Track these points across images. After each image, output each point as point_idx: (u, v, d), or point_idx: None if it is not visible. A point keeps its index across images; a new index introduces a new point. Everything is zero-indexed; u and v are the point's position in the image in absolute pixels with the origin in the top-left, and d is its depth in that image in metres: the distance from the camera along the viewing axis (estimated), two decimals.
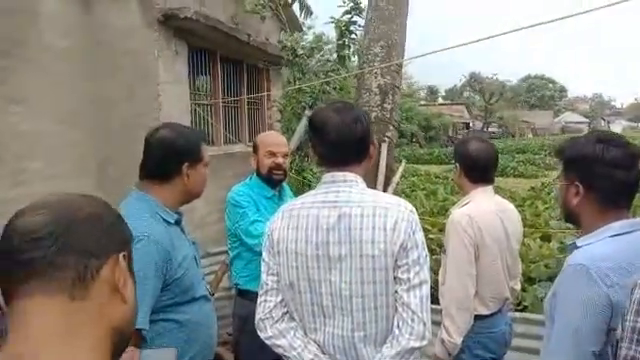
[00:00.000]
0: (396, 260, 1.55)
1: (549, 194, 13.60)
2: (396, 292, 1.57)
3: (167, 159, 1.86)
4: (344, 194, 1.62)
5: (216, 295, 4.28)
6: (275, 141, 2.86)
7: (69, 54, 4.51)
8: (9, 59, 3.96)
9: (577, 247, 1.58)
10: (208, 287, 2.10)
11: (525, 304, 4.62)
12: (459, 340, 2.28)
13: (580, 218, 1.62)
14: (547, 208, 10.45)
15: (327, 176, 1.68)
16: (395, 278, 1.57)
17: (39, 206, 0.80)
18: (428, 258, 1.61)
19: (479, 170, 2.42)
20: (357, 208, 1.59)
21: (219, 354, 3.93)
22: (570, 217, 1.70)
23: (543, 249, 6.45)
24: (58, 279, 0.76)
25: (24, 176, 4.14)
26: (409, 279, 1.55)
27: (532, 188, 14.69)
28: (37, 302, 0.75)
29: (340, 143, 1.64)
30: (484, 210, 2.33)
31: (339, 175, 1.65)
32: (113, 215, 0.87)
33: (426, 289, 1.57)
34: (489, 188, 2.43)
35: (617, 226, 1.52)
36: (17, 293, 0.75)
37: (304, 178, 5.74)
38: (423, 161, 26.23)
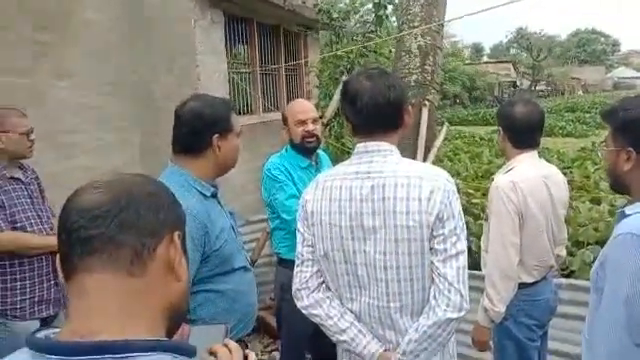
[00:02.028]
0: (432, 231, 1.52)
1: (599, 155, 13.09)
2: (432, 263, 1.55)
3: (196, 131, 1.84)
4: (377, 164, 1.59)
5: (259, 261, 4.37)
6: (302, 108, 2.82)
7: (109, 27, 4.56)
8: (51, 33, 4.04)
9: (626, 215, 1.51)
10: (248, 256, 2.12)
11: (572, 269, 4.50)
12: (502, 308, 2.25)
13: (630, 185, 1.55)
14: (597, 169, 10.06)
15: (360, 146, 1.65)
16: (431, 249, 1.54)
17: (97, 185, 0.82)
18: (465, 227, 1.58)
19: (524, 135, 2.32)
20: (391, 178, 1.56)
21: (262, 317, 4.05)
22: (618, 184, 1.62)
23: (592, 212, 6.23)
24: (117, 256, 0.77)
25: (71, 149, 4.27)
26: (445, 249, 1.53)
27: (582, 148, 14.14)
28: (96, 279, 0.77)
29: (373, 111, 1.60)
30: (529, 176, 2.24)
31: (372, 145, 1.62)
32: (169, 194, 0.89)
33: (463, 260, 1.54)
34: (534, 153, 2.34)
35: None
36: (76, 269, 0.77)
37: (343, 145, 5.70)
38: (467, 122, 25.57)
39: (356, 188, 1.59)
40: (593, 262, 4.98)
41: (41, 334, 0.77)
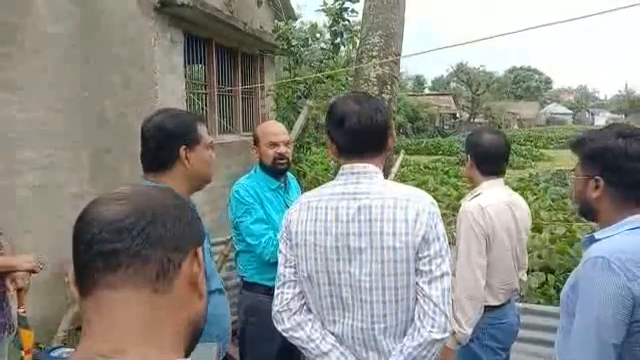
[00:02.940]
0: (417, 252, 1.54)
1: (537, 185, 13.73)
2: (417, 284, 1.56)
3: (161, 145, 1.78)
4: (364, 185, 1.61)
5: None
6: (276, 130, 2.81)
7: (64, 41, 4.43)
8: (3, 46, 3.88)
9: (595, 240, 1.58)
10: (221, 279, 2.07)
11: (520, 294, 4.66)
12: (469, 331, 2.29)
13: (598, 212, 1.61)
14: (537, 199, 10.56)
15: (346, 167, 1.66)
16: (416, 270, 1.56)
17: (118, 196, 0.77)
18: (449, 250, 1.61)
19: (490, 162, 2.41)
20: (378, 200, 1.57)
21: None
22: (586, 211, 1.68)
23: (535, 240, 6.50)
24: (142, 271, 0.73)
25: (17, 165, 4.07)
26: (431, 271, 1.55)
27: (521, 179, 14.80)
28: (120, 295, 0.72)
29: (361, 133, 1.62)
30: (495, 201, 2.33)
31: (359, 166, 1.63)
32: (191, 208, 0.85)
33: (447, 281, 1.57)
34: (500, 180, 2.43)
35: (636, 220, 1.52)
36: (97, 285, 0.72)
37: (300, 169, 5.71)
38: (411, 151, 26.27)
39: (342, 209, 1.59)
40: (539, 288, 5.20)
41: (56, 353, 0.72)
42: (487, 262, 2.31)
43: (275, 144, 2.74)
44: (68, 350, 0.74)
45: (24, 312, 2.50)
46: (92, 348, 0.70)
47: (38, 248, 3.75)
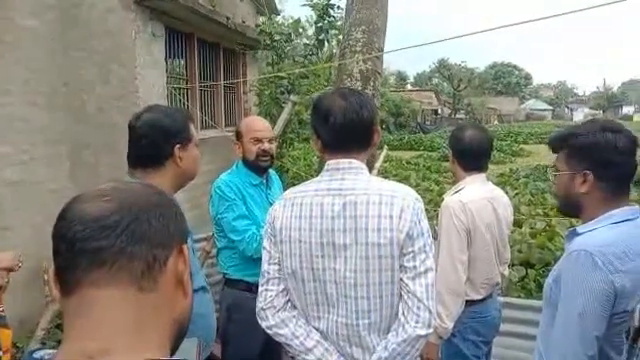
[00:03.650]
0: (402, 248, 1.55)
1: (517, 180, 13.90)
2: (401, 280, 1.57)
3: (156, 143, 1.78)
4: (349, 181, 1.61)
5: None
6: (260, 127, 2.79)
7: (43, 35, 4.34)
8: None
9: (578, 234, 1.59)
10: (205, 277, 2.06)
11: (502, 288, 4.71)
12: (451, 325, 2.31)
13: (584, 207, 1.62)
14: (517, 194, 10.69)
15: (331, 163, 1.65)
16: (400, 266, 1.56)
17: (101, 193, 0.75)
18: (433, 246, 1.62)
19: (472, 158, 2.43)
20: (363, 196, 1.57)
21: None
22: (570, 206, 1.69)
23: (515, 234, 6.57)
24: (127, 269, 0.71)
25: None
26: (415, 267, 1.55)
27: (501, 174, 14.96)
28: (104, 293, 0.70)
29: (346, 129, 1.62)
30: (477, 197, 2.35)
31: (344, 162, 1.63)
32: (175, 205, 0.83)
33: (431, 277, 1.58)
34: (482, 176, 2.46)
35: (619, 213, 1.54)
36: (80, 283, 0.70)
37: (283, 165, 5.70)
38: (393, 147, 26.32)
39: (327, 205, 1.59)
40: (519, 281, 5.27)
41: (38, 355, 0.71)
42: (468, 257, 2.33)
43: (259, 140, 2.72)
44: (50, 351, 0.72)
45: (2, 311, 2.45)
46: (77, 348, 0.68)
47: (16, 245, 3.69)
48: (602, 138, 1.55)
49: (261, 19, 6.52)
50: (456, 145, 2.47)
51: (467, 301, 2.37)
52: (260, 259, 1.75)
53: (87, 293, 0.70)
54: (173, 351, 0.80)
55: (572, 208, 1.69)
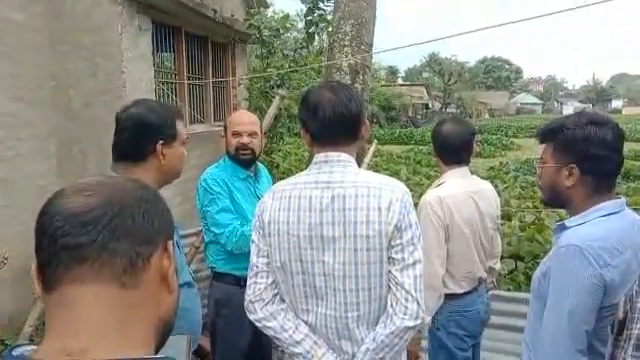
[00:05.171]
0: (390, 240, 1.55)
1: (507, 173, 13.98)
2: (390, 272, 1.57)
3: (139, 137, 1.76)
4: (337, 174, 1.60)
5: None
6: (239, 120, 2.78)
7: (28, 29, 4.28)
8: None
9: (566, 227, 1.59)
10: (191, 272, 2.04)
11: (493, 282, 4.73)
12: (428, 319, 2.31)
13: (570, 201, 1.61)
14: (506, 187, 10.75)
15: (320, 156, 1.65)
16: (389, 258, 1.56)
17: (84, 187, 0.74)
18: (420, 237, 1.62)
19: (452, 152, 2.43)
20: (351, 189, 1.57)
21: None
22: (556, 199, 1.68)
23: (504, 228, 6.60)
24: (109, 266, 0.70)
25: None
26: (403, 259, 1.56)
27: (491, 168, 15.04)
28: (86, 290, 0.69)
29: (334, 122, 1.61)
30: (456, 191, 2.34)
31: (333, 155, 1.63)
32: (161, 200, 0.82)
33: (420, 268, 1.58)
34: (464, 169, 2.44)
35: (606, 206, 1.54)
36: (61, 280, 0.69)
37: (273, 159, 5.67)
38: (384, 141, 26.43)
39: (316, 198, 1.59)
40: (508, 274, 5.29)
41: (17, 352, 0.69)
42: (447, 252, 2.33)
43: (238, 134, 2.71)
44: (29, 348, 0.70)
45: None
46: (57, 345, 0.67)
47: (3, 242, 3.65)
48: (589, 132, 1.53)
49: (251, 12, 6.45)
50: (436, 139, 2.47)
51: (449, 295, 2.37)
52: (246, 253, 1.74)
53: (68, 290, 0.69)
54: (159, 347, 0.79)
55: (556, 200, 1.69)
